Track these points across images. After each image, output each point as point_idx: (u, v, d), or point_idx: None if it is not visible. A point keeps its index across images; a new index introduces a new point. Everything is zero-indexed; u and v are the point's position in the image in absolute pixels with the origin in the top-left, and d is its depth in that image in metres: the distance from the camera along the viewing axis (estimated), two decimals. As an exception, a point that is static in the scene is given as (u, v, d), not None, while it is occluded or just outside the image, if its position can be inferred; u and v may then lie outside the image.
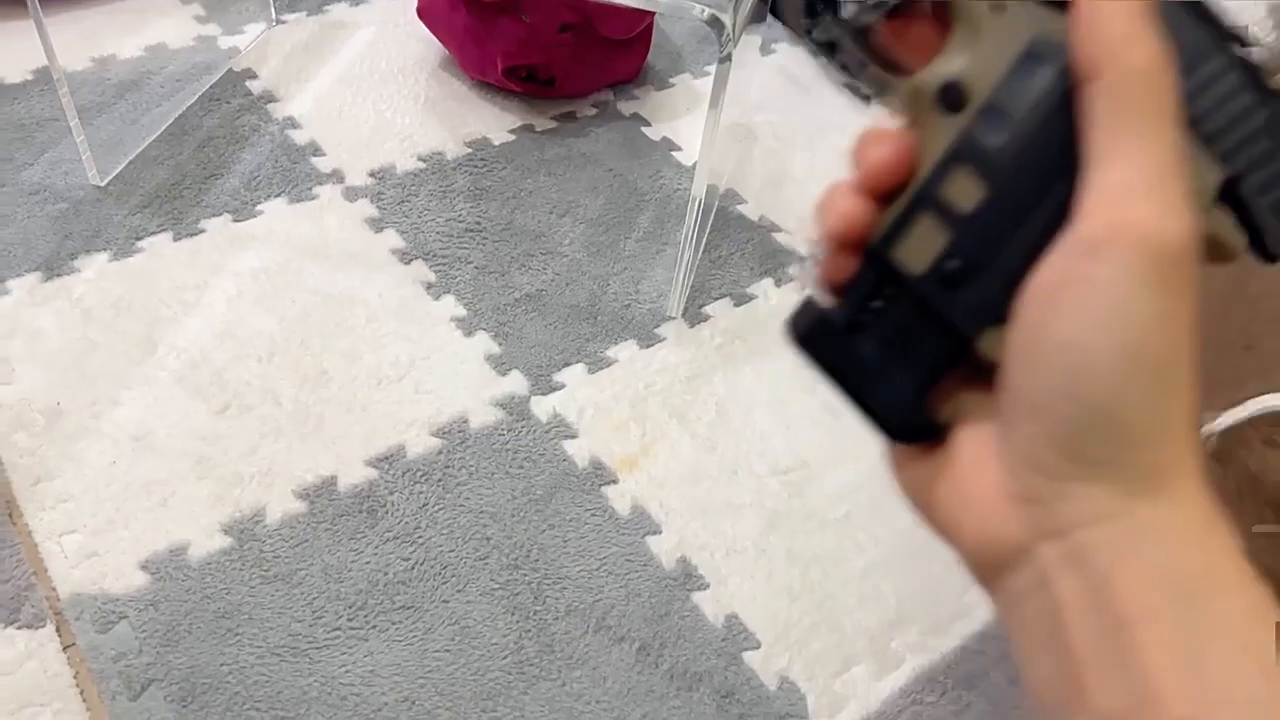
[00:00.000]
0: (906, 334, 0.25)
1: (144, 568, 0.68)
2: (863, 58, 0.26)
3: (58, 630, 0.65)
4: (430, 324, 0.87)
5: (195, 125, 1.04)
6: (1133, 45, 0.22)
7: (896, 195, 0.25)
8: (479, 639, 0.67)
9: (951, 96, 0.24)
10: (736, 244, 1.00)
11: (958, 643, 0.71)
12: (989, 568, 0.24)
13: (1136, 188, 0.21)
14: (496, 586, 0.70)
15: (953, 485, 0.25)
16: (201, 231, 0.93)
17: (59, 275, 0.87)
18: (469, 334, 0.87)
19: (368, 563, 0.70)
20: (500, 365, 0.85)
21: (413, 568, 0.70)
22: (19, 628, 0.64)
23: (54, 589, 0.67)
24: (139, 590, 0.67)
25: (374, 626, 0.67)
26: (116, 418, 0.77)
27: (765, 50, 1.29)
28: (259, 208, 0.96)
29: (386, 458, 0.77)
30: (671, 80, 1.21)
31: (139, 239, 0.91)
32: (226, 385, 0.80)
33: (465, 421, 0.80)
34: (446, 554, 0.71)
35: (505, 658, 0.66)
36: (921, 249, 0.24)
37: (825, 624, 0.70)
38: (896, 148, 0.25)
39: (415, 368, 0.83)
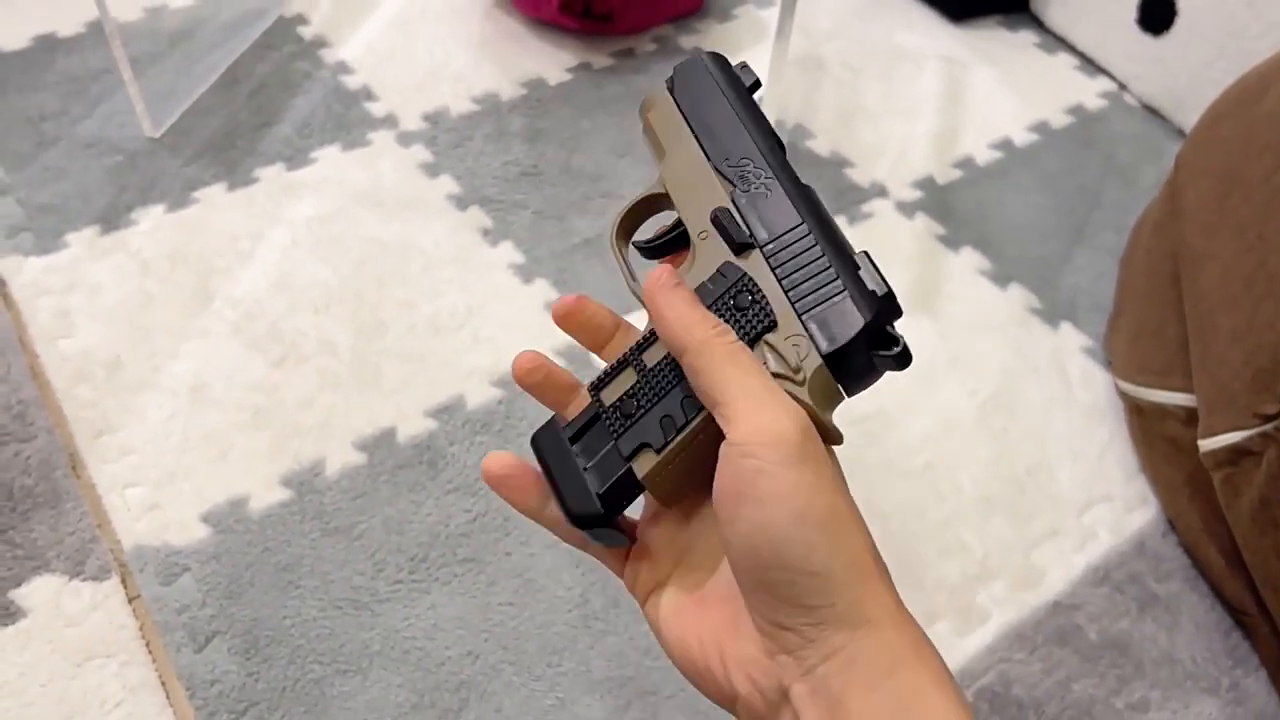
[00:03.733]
0: (598, 449, 0.34)
1: (205, 520, 0.68)
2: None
3: (122, 582, 0.65)
4: (488, 271, 0.85)
5: (247, 73, 1.02)
6: (691, 328, 0.31)
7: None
8: (543, 592, 0.66)
9: None
10: (806, 180, 0.95)
11: (1049, 597, 0.67)
12: (758, 717, 0.30)
13: (754, 405, 0.29)
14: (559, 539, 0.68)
15: (714, 645, 0.31)
16: (255, 181, 0.92)
17: (116, 228, 0.87)
18: (527, 281, 0.85)
19: (429, 515, 0.69)
20: (560, 312, 0.83)
21: (474, 520, 0.69)
22: (84, 580, 0.65)
23: (118, 541, 0.67)
24: (201, 542, 0.67)
25: (436, 579, 0.66)
26: (175, 370, 0.77)
27: (834, -23, 1.23)
28: (313, 155, 0.94)
29: (446, 408, 0.75)
30: (735, 12, 1.16)
31: (194, 190, 0.90)
32: (283, 336, 0.79)
33: (525, 370, 0.78)
34: (508, 506, 0.70)
35: (570, 611, 0.65)
36: (617, 390, 0.34)
37: (906, 578, 0.67)
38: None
39: (473, 316, 0.82)
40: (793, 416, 0.29)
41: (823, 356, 0.31)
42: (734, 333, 0.32)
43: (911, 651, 0.28)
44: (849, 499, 0.30)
